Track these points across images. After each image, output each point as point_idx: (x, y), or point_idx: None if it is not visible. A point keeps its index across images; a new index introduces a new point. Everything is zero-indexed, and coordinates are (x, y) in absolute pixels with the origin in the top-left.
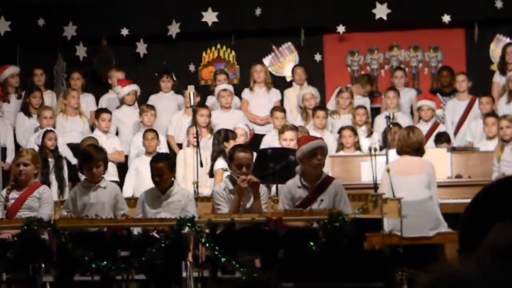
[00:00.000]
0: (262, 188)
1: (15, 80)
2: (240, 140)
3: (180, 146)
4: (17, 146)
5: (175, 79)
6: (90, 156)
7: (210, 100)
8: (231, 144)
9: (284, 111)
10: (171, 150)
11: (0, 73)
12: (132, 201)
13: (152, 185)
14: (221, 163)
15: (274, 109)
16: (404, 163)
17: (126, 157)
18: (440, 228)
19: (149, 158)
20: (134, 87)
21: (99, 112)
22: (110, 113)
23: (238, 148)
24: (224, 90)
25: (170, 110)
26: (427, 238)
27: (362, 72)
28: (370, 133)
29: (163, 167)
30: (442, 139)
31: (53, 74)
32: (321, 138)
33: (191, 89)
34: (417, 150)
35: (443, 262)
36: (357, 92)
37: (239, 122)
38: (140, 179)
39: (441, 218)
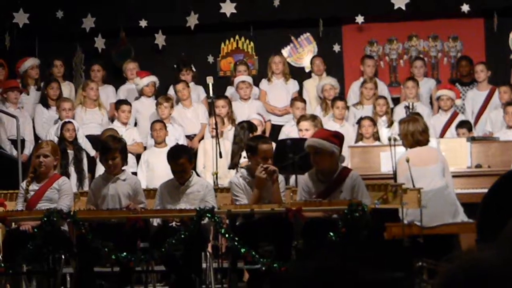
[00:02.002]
0: (279, 177)
1: (35, 71)
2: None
3: (189, 137)
4: (37, 138)
5: (194, 69)
6: (107, 146)
7: (230, 91)
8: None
9: (304, 101)
10: None
11: (20, 65)
12: (145, 193)
13: (165, 176)
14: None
15: (294, 99)
16: (418, 154)
17: (145, 148)
18: (459, 216)
19: (158, 149)
20: (153, 78)
21: (118, 103)
22: (130, 104)
23: (260, 139)
24: (243, 82)
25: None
26: (447, 226)
27: (381, 62)
28: (390, 123)
29: (185, 162)
30: (464, 125)
31: (72, 66)
32: (327, 133)
33: (210, 80)
34: (424, 141)
35: (463, 250)
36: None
37: (256, 112)
38: (151, 171)
39: (458, 204)
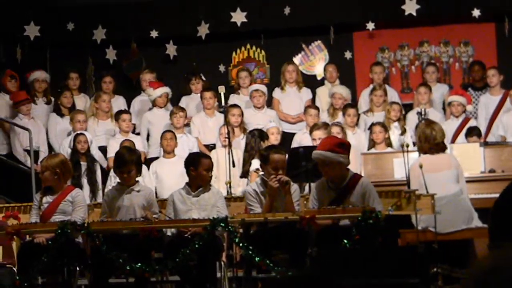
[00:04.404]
0: (293, 186)
1: (38, 84)
2: (273, 138)
3: (208, 146)
4: (50, 149)
5: (204, 79)
6: (122, 159)
7: (232, 99)
8: (265, 144)
9: (318, 109)
10: None
11: (29, 75)
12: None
13: (173, 186)
14: (257, 163)
15: (308, 106)
16: (432, 160)
17: (148, 160)
18: (473, 222)
19: (166, 160)
20: (166, 89)
21: (118, 113)
22: (130, 113)
23: (272, 149)
24: (256, 90)
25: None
26: (461, 233)
27: (393, 69)
28: (403, 130)
29: (212, 163)
30: (473, 132)
31: (85, 78)
32: (331, 142)
33: (221, 89)
34: (441, 147)
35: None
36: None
37: (272, 121)
38: (160, 182)
39: (473, 210)
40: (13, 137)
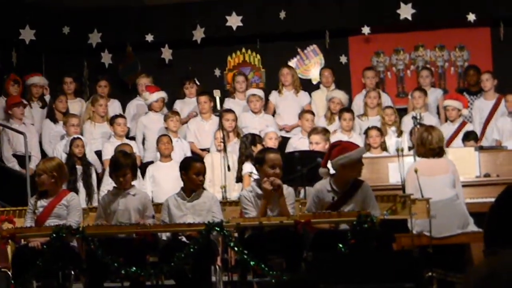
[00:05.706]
0: (287, 190)
1: (36, 90)
2: (271, 143)
3: (204, 151)
4: (44, 154)
5: (198, 83)
6: (118, 163)
7: (227, 103)
8: (258, 148)
9: (313, 114)
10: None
11: (27, 78)
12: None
13: (171, 190)
14: (248, 167)
15: (304, 111)
16: (429, 164)
17: (144, 164)
18: (469, 226)
19: (163, 164)
20: (162, 94)
21: (113, 118)
22: (125, 117)
23: (267, 150)
24: (253, 95)
25: None
26: (457, 237)
27: (388, 73)
28: (400, 134)
29: (204, 167)
30: (470, 137)
31: (82, 81)
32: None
33: (217, 93)
34: (438, 152)
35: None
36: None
37: (269, 126)
38: (157, 186)
39: (468, 216)
40: (3, 142)
